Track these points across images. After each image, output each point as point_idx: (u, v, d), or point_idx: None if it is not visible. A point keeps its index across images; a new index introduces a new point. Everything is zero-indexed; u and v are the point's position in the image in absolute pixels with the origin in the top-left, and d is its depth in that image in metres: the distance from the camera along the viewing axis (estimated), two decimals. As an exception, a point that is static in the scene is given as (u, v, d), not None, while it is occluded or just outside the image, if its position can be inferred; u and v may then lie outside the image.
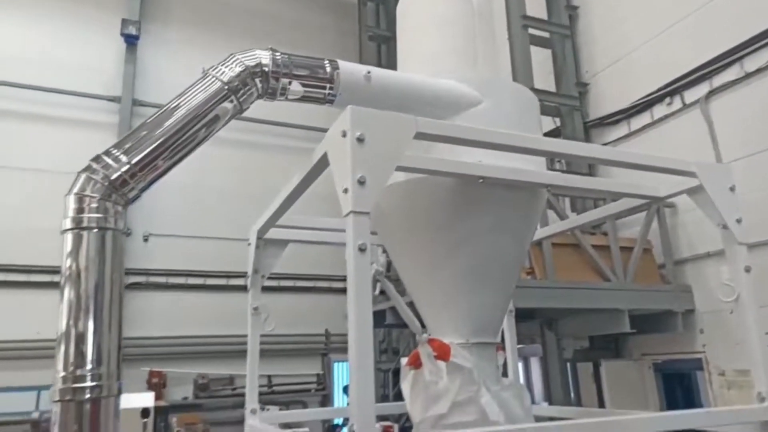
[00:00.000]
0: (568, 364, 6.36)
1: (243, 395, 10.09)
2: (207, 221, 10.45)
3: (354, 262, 1.61)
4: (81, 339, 1.79)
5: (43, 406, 7.82)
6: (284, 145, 11.30)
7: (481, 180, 2.13)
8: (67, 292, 1.86)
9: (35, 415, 7.05)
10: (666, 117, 6.49)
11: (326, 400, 10.11)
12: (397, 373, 9.93)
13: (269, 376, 9.63)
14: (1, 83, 9.61)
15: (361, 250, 1.63)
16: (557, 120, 7.44)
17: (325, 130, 1.86)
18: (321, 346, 10.76)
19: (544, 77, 7.51)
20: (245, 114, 2.42)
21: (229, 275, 10.41)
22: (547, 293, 5.31)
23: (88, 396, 1.71)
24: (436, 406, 2.05)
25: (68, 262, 1.97)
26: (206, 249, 10.33)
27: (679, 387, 6.44)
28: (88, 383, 1.73)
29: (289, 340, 9.78)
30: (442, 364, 2.07)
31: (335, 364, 11.03)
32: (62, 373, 1.75)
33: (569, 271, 5.63)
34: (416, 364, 2.17)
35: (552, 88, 7.49)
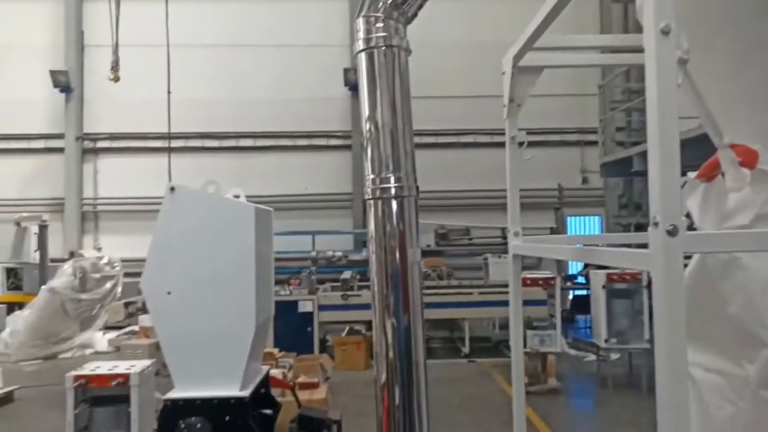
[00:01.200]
0: None
1: (478, 245, 10.62)
2: (436, 80, 10.64)
3: (655, 46, 1.45)
4: (383, 151, 2.06)
5: (318, 246, 9.42)
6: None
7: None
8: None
9: (313, 254, 8.54)
10: None
11: (560, 252, 10.18)
12: (639, 227, 9.39)
13: (502, 228, 9.99)
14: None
15: (664, 32, 1.44)
16: None
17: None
18: (554, 201, 10.67)
19: None
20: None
21: (459, 133, 10.69)
22: None
23: (393, 193, 2.00)
24: (736, 217, 1.86)
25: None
26: (436, 107, 10.63)
27: None
28: (392, 184, 2.01)
29: (522, 194, 9.82)
30: (746, 171, 1.85)
31: (568, 219, 10.90)
32: (371, 176, 2.06)
33: None
34: (709, 175, 1.97)
35: None
